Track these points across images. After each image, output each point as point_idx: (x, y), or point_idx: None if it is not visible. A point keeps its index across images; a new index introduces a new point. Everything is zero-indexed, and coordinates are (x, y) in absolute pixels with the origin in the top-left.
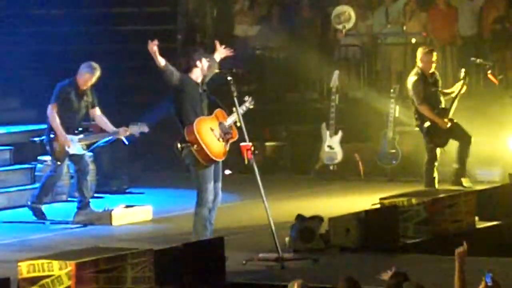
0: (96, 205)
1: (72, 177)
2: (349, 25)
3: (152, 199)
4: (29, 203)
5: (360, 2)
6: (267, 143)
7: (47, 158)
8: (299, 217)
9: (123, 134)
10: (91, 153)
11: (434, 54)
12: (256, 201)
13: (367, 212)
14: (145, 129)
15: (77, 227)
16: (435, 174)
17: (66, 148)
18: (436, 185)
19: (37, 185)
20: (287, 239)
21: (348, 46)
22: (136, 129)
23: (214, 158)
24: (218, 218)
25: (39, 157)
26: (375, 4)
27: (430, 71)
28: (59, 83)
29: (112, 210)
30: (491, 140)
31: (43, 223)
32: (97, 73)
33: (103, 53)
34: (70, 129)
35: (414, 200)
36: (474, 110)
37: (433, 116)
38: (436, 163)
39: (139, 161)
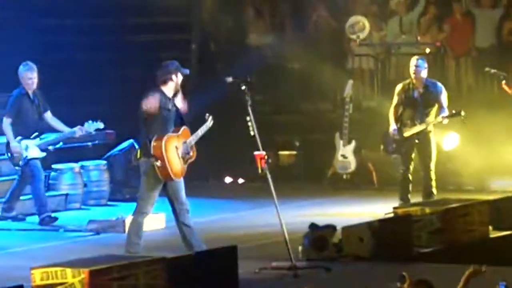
0: (110, 213)
1: (85, 185)
2: (363, 35)
3: (165, 207)
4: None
5: (374, 12)
6: (281, 152)
7: (61, 166)
8: (312, 226)
9: (79, 133)
10: (105, 162)
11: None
12: (269, 210)
13: (380, 221)
14: (100, 125)
15: (90, 235)
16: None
17: (25, 154)
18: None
19: (50, 193)
20: (300, 247)
21: (362, 55)
22: (91, 126)
23: (173, 176)
24: (231, 226)
25: (53, 166)
26: (389, 14)
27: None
28: (13, 92)
29: (126, 218)
30: (505, 150)
31: (57, 230)
32: (35, 69)
33: (118, 63)
34: (28, 134)
35: (427, 210)
36: (487, 120)
37: None
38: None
39: None
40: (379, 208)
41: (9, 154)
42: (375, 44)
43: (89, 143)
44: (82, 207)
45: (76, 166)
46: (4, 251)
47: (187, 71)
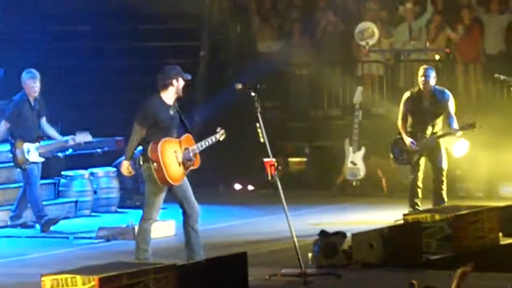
0: (120, 220)
1: (95, 192)
2: (372, 41)
3: (174, 214)
4: (9, 222)
5: (383, 19)
6: (290, 159)
7: (72, 173)
8: (322, 233)
9: (71, 142)
10: (114, 169)
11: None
12: (279, 217)
13: (390, 228)
14: (88, 138)
15: (100, 242)
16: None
17: (27, 156)
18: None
19: (60, 200)
20: (310, 254)
21: (371, 62)
22: (82, 137)
23: (169, 181)
24: (241, 233)
25: (62, 172)
26: (398, 20)
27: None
28: (15, 97)
29: (136, 225)
30: None
31: (67, 238)
32: (38, 77)
33: (127, 69)
34: (29, 139)
35: (437, 216)
36: (497, 126)
37: None
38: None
39: None
40: (389, 215)
41: (12, 154)
42: (384, 51)
43: (99, 150)
44: (92, 214)
45: (85, 173)
46: (14, 258)
47: (188, 76)
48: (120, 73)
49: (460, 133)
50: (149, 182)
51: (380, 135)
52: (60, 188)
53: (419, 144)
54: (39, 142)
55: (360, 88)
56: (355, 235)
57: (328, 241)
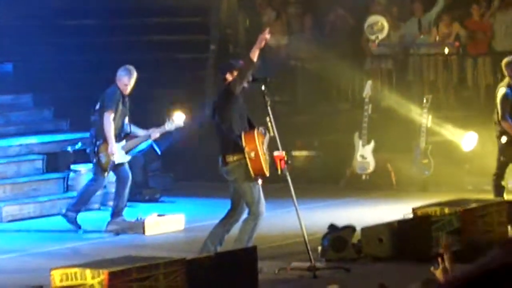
0: (129, 214)
1: (104, 186)
2: (382, 35)
3: (184, 208)
4: (64, 211)
5: (392, 12)
6: (299, 153)
7: (81, 167)
8: (332, 227)
9: (155, 135)
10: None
11: None
12: (288, 211)
13: (399, 222)
14: (183, 118)
15: (110, 236)
16: (504, 184)
17: (112, 158)
18: (505, 196)
19: (69, 194)
20: (319, 248)
21: (381, 56)
22: (179, 119)
23: (265, 171)
24: None
25: (71, 166)
26: (408, 14)
27: None
28: (109, 90)
29: (145, 219)
30: None
31: (76, 231)
32: (135, 74)
33: (136, 64)
34: (116, 137)
35: (446, 210)
36: None
37: None
38: (504, 177)
39: (171, 170)
40: (398, 209)
41: (98, 157)
42: (394, 44)
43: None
44: (101, 208)
45: None
46: (24, 252)
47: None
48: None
49: None
50: (244, 180)
51: (389, 129)
52: (70, 182)
53: None
54: (125, 141)
55: (369, 82)
56: (364, 229)
57: (338, 235)
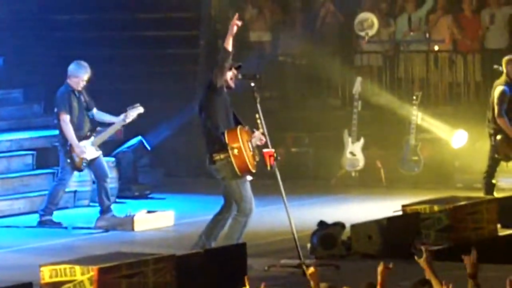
0: (118, 210)
1: (94, 182)
2: (372, 32)
3: (173, 204)
4: (38, 219)
5: (382, 9)
6: (289, 149)
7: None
8: (321, 224)
9: (128, 120)
10: (113, 159)
11: None
12: (278, 207)
13: (389, 219)
14: (140, 110)
15: (99, 232)
16: (494, 182)
17: (83, 156)
18: (495, 193)
19: None
20: (309, 245)
21: (371, 53)
22: (134, 112)
23: (250, 167)
24: None
25: None
26: (398, 11)
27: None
28: (58, 91)
29: (134, 215)
30: None
31: (66, 228)
32: (88, 70)
33: (127, 59)
34: (80, 135)
35: (436, 207)
36: None
37: (509, 131)
38: (494, 175)
39: (160, 166)
40: (388, 206)
41: (71, 157)
42: (384, 41)
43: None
44: (91, 204)
45: None
46: (13, 248)
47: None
48: (117, 62)
49: None
50: (231, 178)
51: (379, 126)
52: None
53: None
54: (93, 136)
55: (359, 79)
56: (354, 226)
57: (327, 232)
